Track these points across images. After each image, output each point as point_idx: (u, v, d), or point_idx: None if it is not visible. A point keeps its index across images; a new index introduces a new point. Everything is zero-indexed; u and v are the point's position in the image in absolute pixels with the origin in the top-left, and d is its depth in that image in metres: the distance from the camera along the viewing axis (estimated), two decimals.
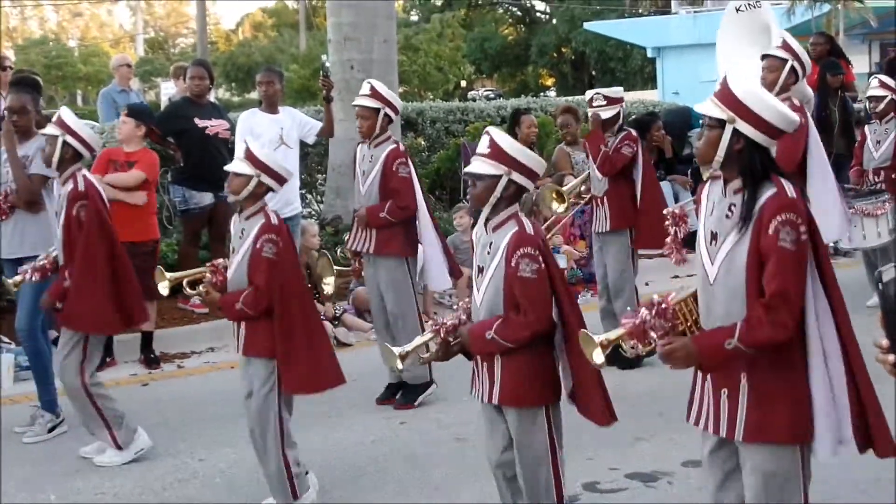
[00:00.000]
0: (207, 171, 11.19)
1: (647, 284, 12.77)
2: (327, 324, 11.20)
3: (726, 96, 4.44)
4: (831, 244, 9.55)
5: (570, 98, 18.20)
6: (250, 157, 6.43)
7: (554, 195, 10.04)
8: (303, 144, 12.02)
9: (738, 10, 9.93)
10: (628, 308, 4.81)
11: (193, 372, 10.22)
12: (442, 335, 5.49)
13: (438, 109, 16.55)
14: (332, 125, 11.28)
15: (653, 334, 4.58)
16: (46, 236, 8.28)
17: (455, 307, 6.03)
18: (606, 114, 9.57)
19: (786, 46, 8.79)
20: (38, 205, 8.35)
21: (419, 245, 8.83)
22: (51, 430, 8.41)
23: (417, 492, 7.03)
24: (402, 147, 8.86)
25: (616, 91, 9.83)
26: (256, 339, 6.49)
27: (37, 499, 7.18)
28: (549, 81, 58.10)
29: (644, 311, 4.60)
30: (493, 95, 41.58)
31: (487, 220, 5.38)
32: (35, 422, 8.45)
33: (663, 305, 4.61)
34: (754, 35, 9.05)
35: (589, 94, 9.91)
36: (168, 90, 28.58)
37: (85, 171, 7.82)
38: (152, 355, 10.47)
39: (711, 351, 4.41)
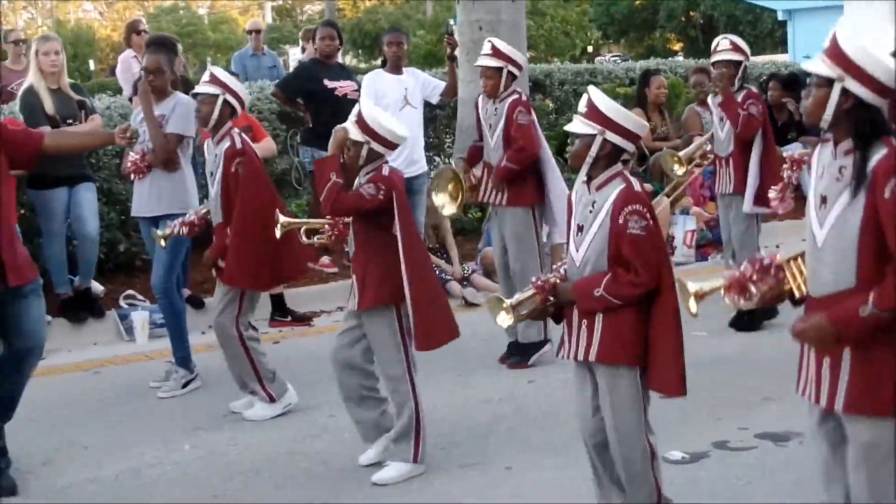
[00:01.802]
0: None
1: (777, 246, 12.61)
2: (456, 284, 11.26)
3: (835, 53, 4.27)
4: None
5: (699, 61, 17.94)
6: (360, 122, 6.46)
7: (675, 159, 9.93)
8: (431, 107, 12.06)
9: None
10: (730, 262, 4.71)
11: (324, 330, 10.32)
12: (545, 293, 5.44)
13: (566, 71, 16.45)
14: (455, 84, 11.29)
15: (753, 288, 4.48)
16: (182, 195, 8.47)
17: None
18: (731, 56, 9.39)
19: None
20: (175, 164, 8.49)
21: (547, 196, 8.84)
22: (185, 386, 8.57)
23: (544, 450, 7.04)
24: (523, 97, 8.90)
25: (743, 42, 9.64)
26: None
27: (171, 450, 7.34)
28: (677, 46, 57.42)
29: (746, 265, 4.51)
30: (620, 61, 41.28)
31: (589, 178, 5.34)
32: (170, 377, 8.64)
33: (766, 261, 4.51)
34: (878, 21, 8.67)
35: (717, 39, 9.72)
36: (295, 56, 28.83)
37: (237, 129, 7.94)
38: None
39: (846, 320, 4.20)
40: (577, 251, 5.36)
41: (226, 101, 7.80)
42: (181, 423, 7.88)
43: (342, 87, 11.31)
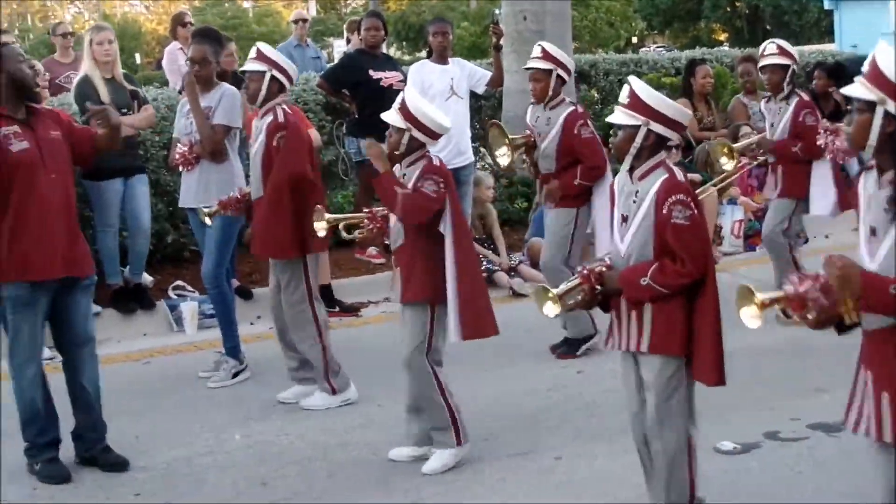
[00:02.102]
0: (382, 122, 11.29)
1: (826, 237, 12.57)
2: (503, 274, 11.27)
3: (875, 76, 4.12)
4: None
5: (745, 50, 17.81)
6: (403, 109, 6.45)
7: (725, 150, 9.87)
8: (476, 97, 12.04)
9: None
10: (793, 277, 4.52)
11: (371, 321, 10.36)
12: (592, 282, 5.40)
13: (612, 62, 16.39)
14: (501, 74, 11.28)
15: (811, 306, 4.23)
16: (230, 186, 8.44)
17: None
18: (778, 60, 9.37)
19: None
20: (223, 154, 8.51)
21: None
22: (234, 376, 8.61)
23: (593, 439, 7.03)
24: (580, 109, 8.86)
25: (789, 46, 9.61)
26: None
27: (222, 440, 7.38)
28: (722, 36, 57.20)
29: (809, 282, 4.27)
30: (665, 52, 41.13)
31: (632, 168, 5.32)
32: (219, 367, 8.67)
33: (829, 283, 4.28)
34: None
35: (764, 44, 9.73)
36: (340, 48, 28.86)
37: (285, 105, 7.94)
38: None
39: (876, 286, 4.05)
40: (622, 242, 5.35)
41: (273, 78, 7.85)
42: (231, 413, 7.91)
43: (388, 77, 11.32)
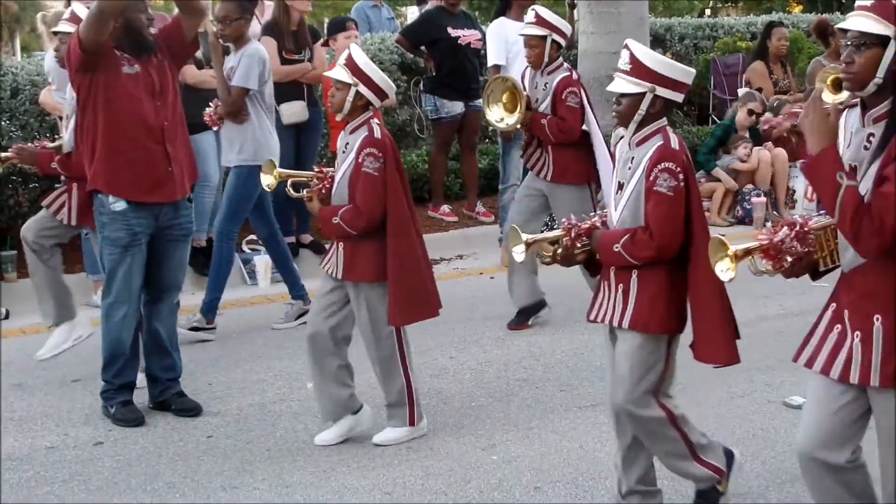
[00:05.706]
0: (459, 80, 11.38)
1: None
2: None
3: (888, 9, 3.86)
4: None
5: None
6: (350, 64, 6.26)
7: (831, 80, 9.79)
8: None
9: None
10: (768, 224, 4.38)
11: (443, 277, 10.33)
12: (572, 236, 5.08)
13: (687, 25, 16.26)
14: (573, 32, 11.16)
15: (788, 257, 4.18)
16: (255, 145, 8.54)
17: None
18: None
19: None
20: (241, 115, 8.51)
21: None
22: (298, 318, 8.76)
23: None
24: (574, 75, 8.54)
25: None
26: (357, 263, 6.32)
27: (294, 388, 7.48)
28: (797, 9, 56.44)
29: (785, 230, 4.18)
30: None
31: (633, 135, 5.03)
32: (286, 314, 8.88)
33: (805, 228, 4.20)
34: None
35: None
36: (413, 14, 28.71)
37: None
38: None
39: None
40: (616, 209, 5.06)
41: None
42: (304, 362, 7.85)
43: (466, 35, 11.30)
